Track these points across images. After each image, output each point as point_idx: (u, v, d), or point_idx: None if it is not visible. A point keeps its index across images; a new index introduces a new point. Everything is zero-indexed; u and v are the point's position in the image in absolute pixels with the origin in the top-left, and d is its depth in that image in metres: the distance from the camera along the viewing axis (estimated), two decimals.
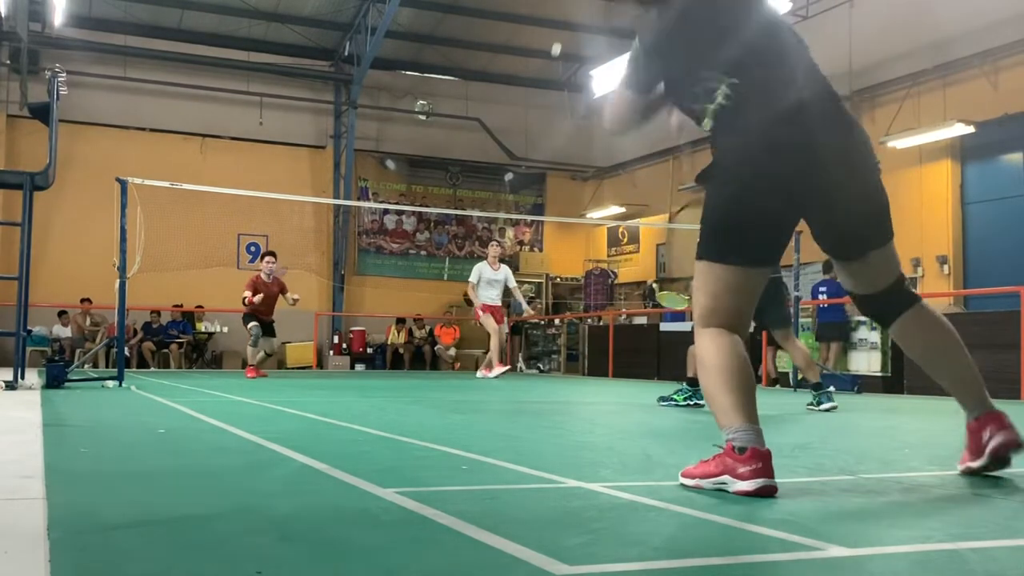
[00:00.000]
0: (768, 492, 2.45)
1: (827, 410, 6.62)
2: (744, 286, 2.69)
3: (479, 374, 13.17)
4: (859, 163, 2.71)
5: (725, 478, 2.51)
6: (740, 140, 2.67)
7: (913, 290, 2.92)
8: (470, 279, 12.78)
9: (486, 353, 14.11)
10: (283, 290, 12.42)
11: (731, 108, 2.68)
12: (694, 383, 6.63)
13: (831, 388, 7.00)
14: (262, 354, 12.44)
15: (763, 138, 2.63)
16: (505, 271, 12.86)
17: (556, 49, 18.03)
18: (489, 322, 12.52)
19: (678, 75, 2.82)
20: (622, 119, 2.95)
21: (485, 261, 12.86)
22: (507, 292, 13.12)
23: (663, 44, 2.82)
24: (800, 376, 11.96)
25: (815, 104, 2.67)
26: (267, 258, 12.49)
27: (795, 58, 2.75)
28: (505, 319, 18.80)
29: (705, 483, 2.55)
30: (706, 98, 2.72)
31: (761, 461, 2.46)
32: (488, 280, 12.61)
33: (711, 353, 2.65)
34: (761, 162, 2.63)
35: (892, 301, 2.87)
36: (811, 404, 6.76)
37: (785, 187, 2.63)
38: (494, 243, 13.38)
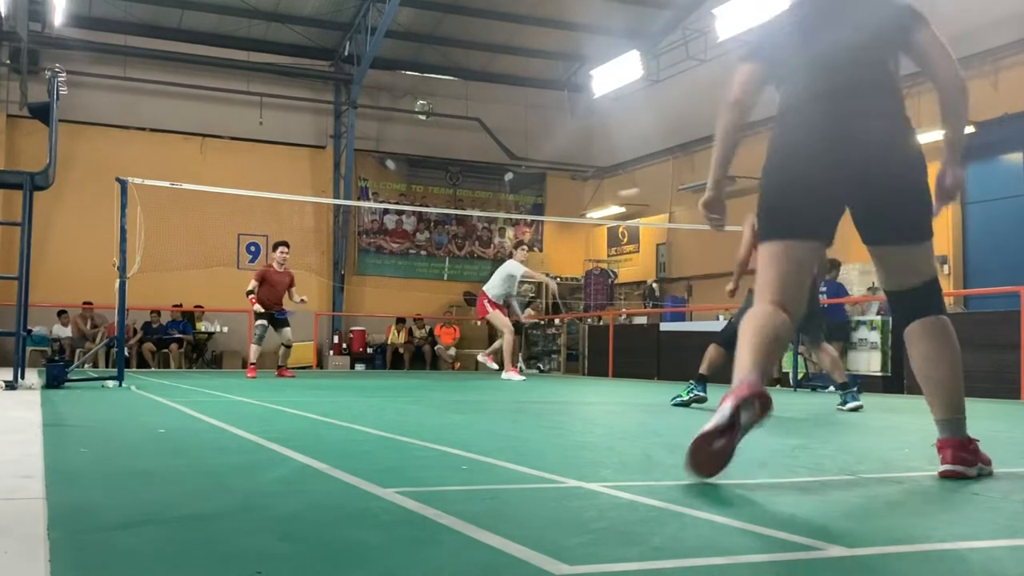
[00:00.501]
0: (746, 398, 2.55)
1: (852, 410, 6.66)
2: (791, 259, 2.91)
3: (480, 357, 13.21)
4: (901, 165, 2.92)
5: (719, 408, 2.58)
6: (788, 135, 3.00)
7: (941, 303, 3.03)
8: (519, 274, 12.61)
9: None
10: (292, 283, 12.45)
11: (787, 102, 3.04)
12: (701, 378, 6.68)
13: (855, 387, 7.00)
14: (283, 349, 12.51)
15: (809, 137, 2.94)
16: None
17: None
18: (502, 318, 12.44)
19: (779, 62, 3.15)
20: (751, 88, 3.10)
21: (518, 263, 12.66)
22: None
23: (776, 33, 3.21)
24: (801, 375, 11.99)
25: (869, 117, 2.92)
26: (280, 248, 12.53)
27: (865, 69, 2.99)
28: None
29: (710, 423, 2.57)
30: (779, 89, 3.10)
31: (748, 387, 2.59)
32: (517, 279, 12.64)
33: (748, 323, 2.85)
34: (805, 156, 2.93)
35: (915, 303, 2.99)
36: (840, 405, 6.83)
37: (826, 179, 2.90)
38: (523, 247, 13.17)
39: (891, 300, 3.09)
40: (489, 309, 12.47)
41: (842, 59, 2.99)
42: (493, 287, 12.52)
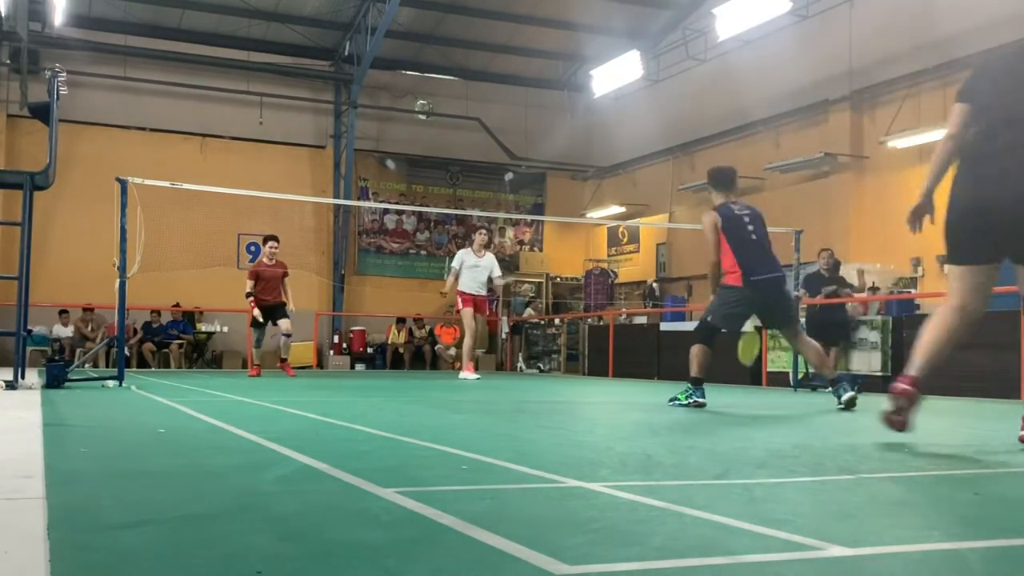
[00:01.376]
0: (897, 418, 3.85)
1: (848, 400, 6.54)
2: (963, 278, 3.94)
3: (462, 375, 12.39)
4: None
5: None
6: (962, 182, 3.86)
7: None
8: (452, 264, 12.42)
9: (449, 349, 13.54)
10: (287, 272, 12.45)
11: (969, 153, 3.82)
12: (696, 382, 6.62)
13: (845, 381, 6.86)
14: (283, 339, 12.41)
15: (975, 185, 3.79)
16: (490, 259, 12.46)
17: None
18: (467, 318, 12.09)
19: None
20: (964, 124, 3.92)
21: (469, 248, 12.48)
22: (503, 289, 12.89)
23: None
24: (801, 375, 11.98)
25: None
26: (270, 242, 12.52)
27: None
28: (504, 319, 18.77)
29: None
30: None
31: (903, 381, 3.81)
32: (470, 266, 12.20)
33: (930, 324, 3.94)
34: (979, 206, 3.77)
35: None
36: (839, 405, 6.67)
37: (992, 224, 3.78)
38: (481, 231, 12.86)
39: None
40: (460, 305, 12.24)
41: (1018, 119, 3.71)
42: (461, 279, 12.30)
